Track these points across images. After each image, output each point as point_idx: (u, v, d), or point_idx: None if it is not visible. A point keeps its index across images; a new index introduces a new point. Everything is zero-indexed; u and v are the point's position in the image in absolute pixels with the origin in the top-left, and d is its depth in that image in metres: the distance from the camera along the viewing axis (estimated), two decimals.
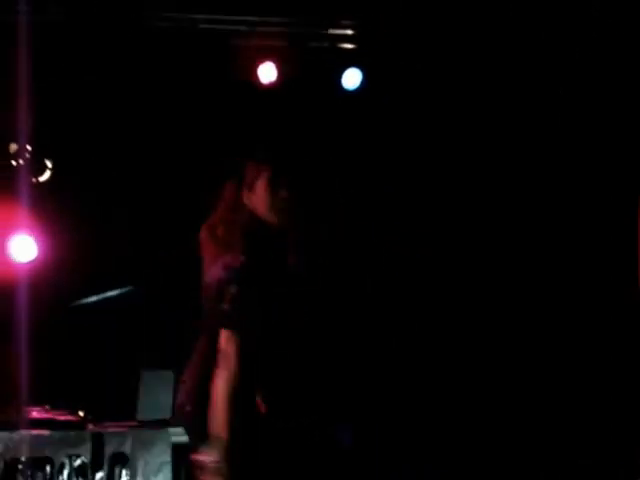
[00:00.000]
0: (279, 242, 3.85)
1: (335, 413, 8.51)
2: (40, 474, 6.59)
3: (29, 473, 6.53)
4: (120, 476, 6.68)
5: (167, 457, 6.73)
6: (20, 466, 6.51)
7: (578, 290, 8.63)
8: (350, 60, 8.64)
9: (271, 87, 8.65)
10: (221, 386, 3.62)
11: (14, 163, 7.96)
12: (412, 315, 8.97)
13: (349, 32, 8.50)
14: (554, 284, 8.70)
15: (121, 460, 6.72)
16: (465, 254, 9.03)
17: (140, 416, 7.15)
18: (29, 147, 7.95)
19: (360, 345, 8.92)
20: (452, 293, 9.04)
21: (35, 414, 6.92)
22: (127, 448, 6.75)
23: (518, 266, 8.89)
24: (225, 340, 3.75)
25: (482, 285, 8.98)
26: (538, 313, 8.75)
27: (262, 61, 8.61)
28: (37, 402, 7.03)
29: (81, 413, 7.15)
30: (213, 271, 3.87)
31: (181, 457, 6.47)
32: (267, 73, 8.62)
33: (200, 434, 3.75)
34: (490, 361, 8.78)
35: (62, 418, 6.96)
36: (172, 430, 6.68)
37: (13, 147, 8.00)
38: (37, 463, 6.58)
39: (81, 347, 7.79)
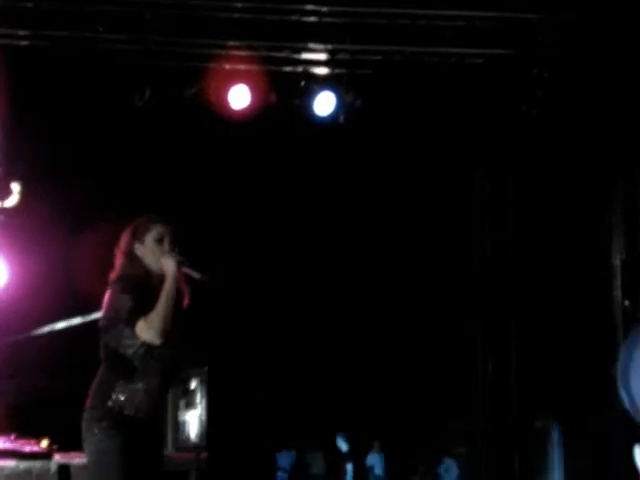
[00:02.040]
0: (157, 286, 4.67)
1: None
2: None
3: None
4: None
5: None
6: None
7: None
8: (324, 85, 8.59)
9: (242, 112, 8.57)
10: None
11: None
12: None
13: (323, 57, 8.47)
14: None
15: None
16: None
17: None
18: None
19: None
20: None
21: (0, 444, 6.74)
22: None
23: None
24: None
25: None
26: None
27: (234, 85, 8.53)
28: (3, 431, 6.86)
29: (45, 443, 6.97)
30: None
31: None
32: (239, 98, 8.53)
33: None
34: None
35: (27, 449, 6.77)
36: None
37: None
38: None
39: (47, 373, 7.64)
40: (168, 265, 4.61)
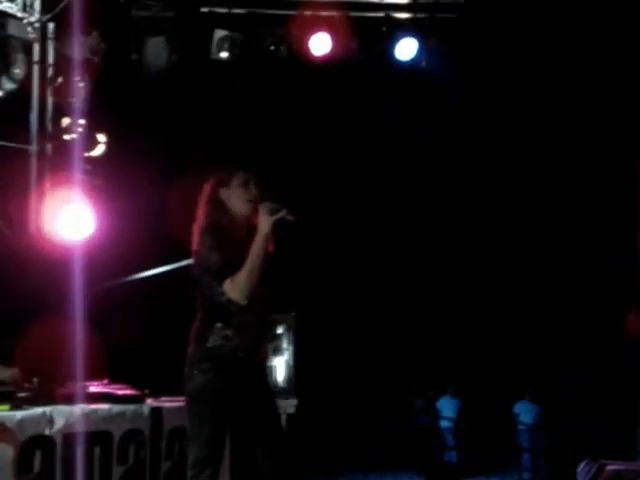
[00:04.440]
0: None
1: None
2: (99, 448, 6.52)
3: (88, 447, 6.46)
4: (179, 450, 6.61)
5: None
6: (79, 440, 6.45)
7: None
8: (406, 30, 8.50)
9: (324, 59, 8.53)
10: None
11: (67, 138, 7.93)
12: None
13: (404, 1, 8.39)
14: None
15: (180, 434, 6.63)
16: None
17: None
18: (82, 122, 7.92)
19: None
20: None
21: (94, 388, 6.88)
22: (186, 422, 6.66)
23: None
24: None
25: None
26: None
27: (316, 32, 8.47)
28: (96, 376, 7.00)
29: (137, 388, 7.10)
30: None
31: None
32: (321, 44, 8.48)
33: None
34: None
35: (121, 392, 6.91)
36: None
37: (66, 121, 7.97)
38: (96, 437, 6.51)
39: (139, 321, 7.76)
40: (263, 223, 4.59)
